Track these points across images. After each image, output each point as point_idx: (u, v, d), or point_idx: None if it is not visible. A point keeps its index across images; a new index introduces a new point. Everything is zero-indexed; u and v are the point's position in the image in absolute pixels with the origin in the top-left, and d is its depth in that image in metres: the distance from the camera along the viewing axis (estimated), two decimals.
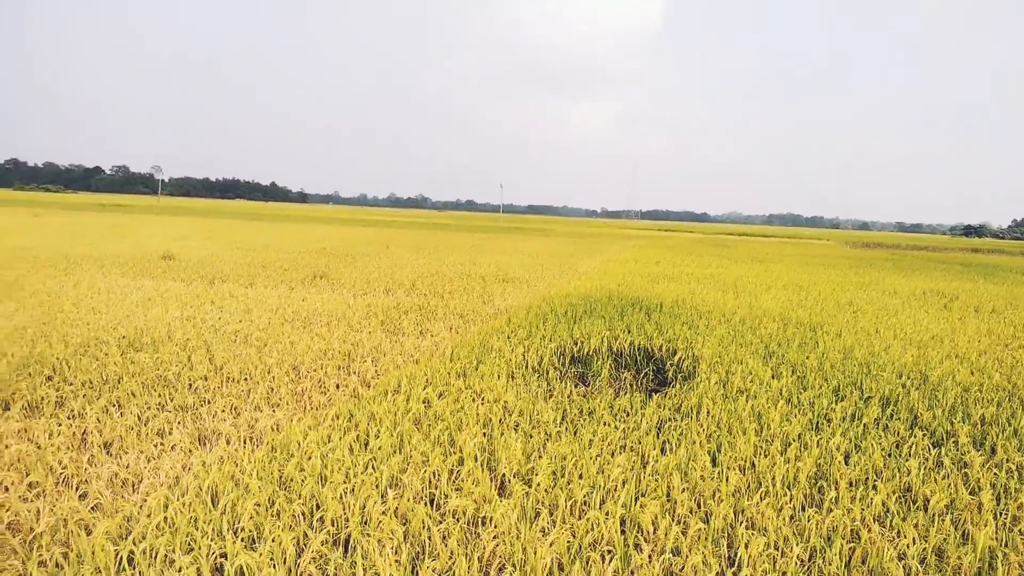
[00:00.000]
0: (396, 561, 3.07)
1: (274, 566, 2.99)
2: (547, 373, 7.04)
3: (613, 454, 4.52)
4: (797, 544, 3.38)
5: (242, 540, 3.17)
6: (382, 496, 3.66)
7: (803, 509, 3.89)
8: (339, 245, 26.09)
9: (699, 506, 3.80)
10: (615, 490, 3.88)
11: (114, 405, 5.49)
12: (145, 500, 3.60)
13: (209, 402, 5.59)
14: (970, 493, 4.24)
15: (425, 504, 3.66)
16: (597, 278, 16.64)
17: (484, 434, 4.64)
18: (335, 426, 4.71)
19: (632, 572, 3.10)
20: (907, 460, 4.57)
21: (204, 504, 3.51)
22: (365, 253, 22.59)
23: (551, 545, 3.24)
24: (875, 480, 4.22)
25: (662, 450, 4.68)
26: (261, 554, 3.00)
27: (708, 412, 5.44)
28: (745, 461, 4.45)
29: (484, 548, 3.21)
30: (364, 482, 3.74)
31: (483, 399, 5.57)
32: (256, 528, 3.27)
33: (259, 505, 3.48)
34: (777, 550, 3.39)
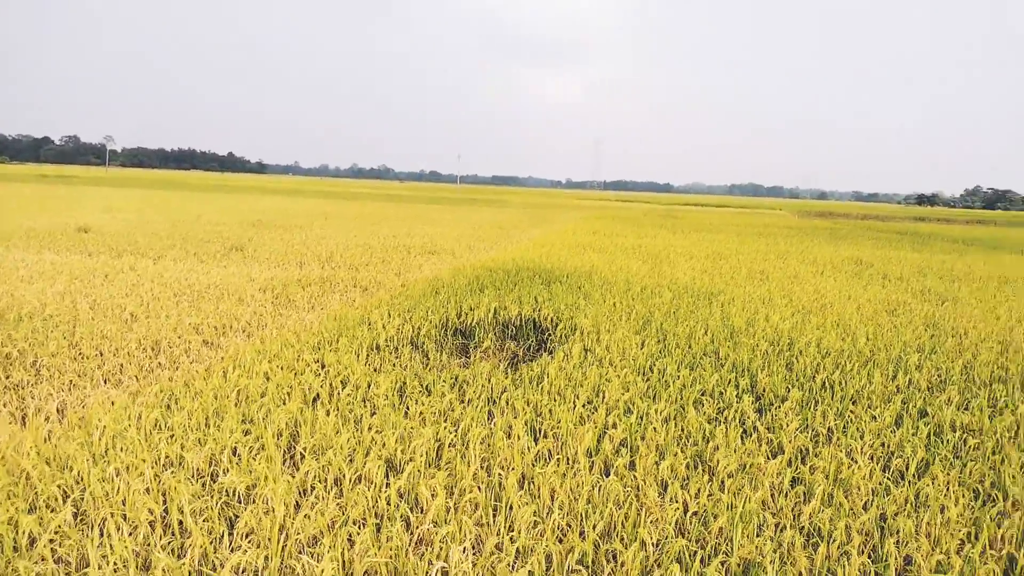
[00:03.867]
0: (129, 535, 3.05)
1: None
2: (423, 345, 7.02)
3: (441, 424, 4.52)
4: (560, 512, 3.43)
5: None
6: (161, 475, 3.61)
7: (590, 472, 3.95)
8: (276, 216, 25.62)
9: (488, 474, 3.83)
10: (411, 462, 3.88)
11: None
12: None
13: (46, 380, 5.44)
14: (773, 457, 4.36)
15: (204, 482, 3.63)
16: (525, 249, 16.63)
17: (303, 409, 4.60)
18: (147, 403, 4.62)
19: (387, 539, 3.10)
20: (719, 426, 4.66)
21: None
22: (299, 225, 22.22)
23: (318, 517, 3.23)
24: (676, 447, 4.29)
25: (488, 420, 4.70)
26: None
27: (550, 382, 5.47)
28: (563, 431, 4.49)
29: (242, 522, 3.18)
30: (144, 460, 3.68)
31: (327, 373, 5.53)
32: None
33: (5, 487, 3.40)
34: (546, 517, 3.43)
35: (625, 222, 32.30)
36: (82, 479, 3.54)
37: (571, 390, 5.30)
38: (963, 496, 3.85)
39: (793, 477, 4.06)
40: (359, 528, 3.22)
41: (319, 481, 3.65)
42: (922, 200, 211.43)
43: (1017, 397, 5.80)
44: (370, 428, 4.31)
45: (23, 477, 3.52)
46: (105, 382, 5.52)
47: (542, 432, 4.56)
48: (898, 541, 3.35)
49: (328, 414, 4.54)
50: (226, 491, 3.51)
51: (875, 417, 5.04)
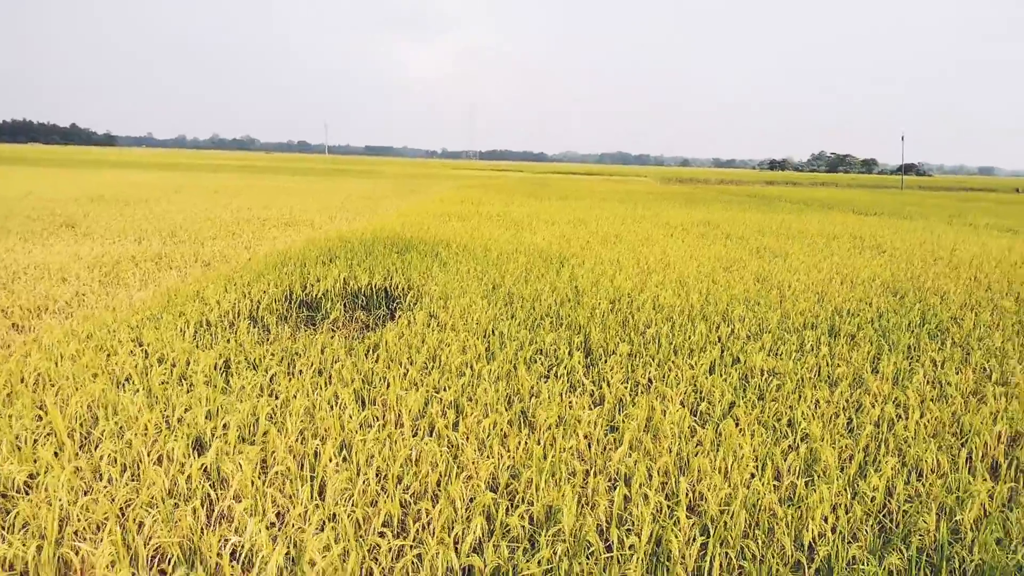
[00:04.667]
0: None
1: None
2: (263, 320, 6.73)
3: (265, 397, 4.35)
4: (377, 477, 3.40)
5: None
6: None
7: (414, 436, 3.97)
8: (122, 191, 23.72)
9: (304, 445, 3.73)
10: (220, 438, 3.71)
11: None
12: None
13: None
14: (595, 406, 4.53)
15: None
16: (387, 219, 16.34)
17: (107, 390, 4.28)
18: None
19: (182, 518, 2.95)
20: (547, 382, 4.79)
21: None
22: (146, 199, 20.68)
23: (105, 502, 3.02)
24: (502, 405, 4.37)
25: (313, 391, 4.58)
26: None
27: (387, 349, 5.41)
28: (391, 397, 4.45)
29: (16, 514, 2.93)
30: None
31: (144, 352, 5.18)
32: None
33: None
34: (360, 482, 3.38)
35: (496, 191, 32.47)
36: None
37: (407, 356, 5.26)
38: (759, 434, 4.17)
39: (610, 426, 4.24)
40: (152, 510, 3.04)
41: (115, 464, 3.41)
42: (774, 165, 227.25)
43: (823, 341, 6.35)
44: (181, 406, 4.08)
45: None
46: None
47: (371, 400, 4.50)
48: (694, 480, 3.58)
49: (136, 394, 4.25)
50: (3, 483, 3.21)
51: (692, 366, 5.36)
